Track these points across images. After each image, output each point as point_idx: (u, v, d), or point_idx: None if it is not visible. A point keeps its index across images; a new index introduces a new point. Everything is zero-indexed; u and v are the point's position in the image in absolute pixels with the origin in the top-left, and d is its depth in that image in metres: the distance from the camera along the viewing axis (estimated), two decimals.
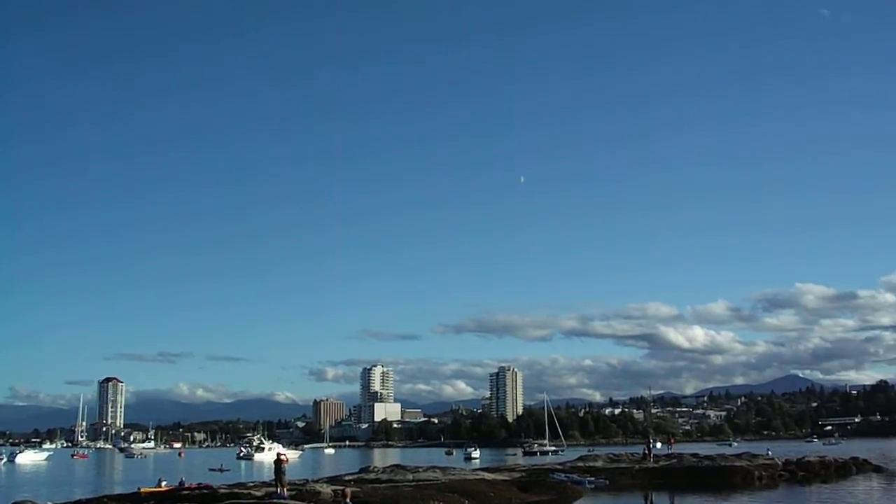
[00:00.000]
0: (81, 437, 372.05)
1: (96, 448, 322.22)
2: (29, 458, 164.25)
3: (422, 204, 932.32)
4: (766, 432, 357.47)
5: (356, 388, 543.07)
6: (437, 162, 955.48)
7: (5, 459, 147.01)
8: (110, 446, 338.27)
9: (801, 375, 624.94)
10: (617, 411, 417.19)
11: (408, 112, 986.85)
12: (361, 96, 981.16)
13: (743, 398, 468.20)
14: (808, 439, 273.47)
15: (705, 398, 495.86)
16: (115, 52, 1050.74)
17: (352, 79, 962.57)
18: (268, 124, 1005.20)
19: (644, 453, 74.09)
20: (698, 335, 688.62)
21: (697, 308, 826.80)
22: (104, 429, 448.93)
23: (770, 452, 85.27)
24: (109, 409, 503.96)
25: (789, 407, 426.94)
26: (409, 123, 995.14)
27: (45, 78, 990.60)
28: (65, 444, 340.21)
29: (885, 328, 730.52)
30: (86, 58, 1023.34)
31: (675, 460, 71.87)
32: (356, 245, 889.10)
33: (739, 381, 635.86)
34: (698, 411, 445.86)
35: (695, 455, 76.42)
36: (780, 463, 71.46)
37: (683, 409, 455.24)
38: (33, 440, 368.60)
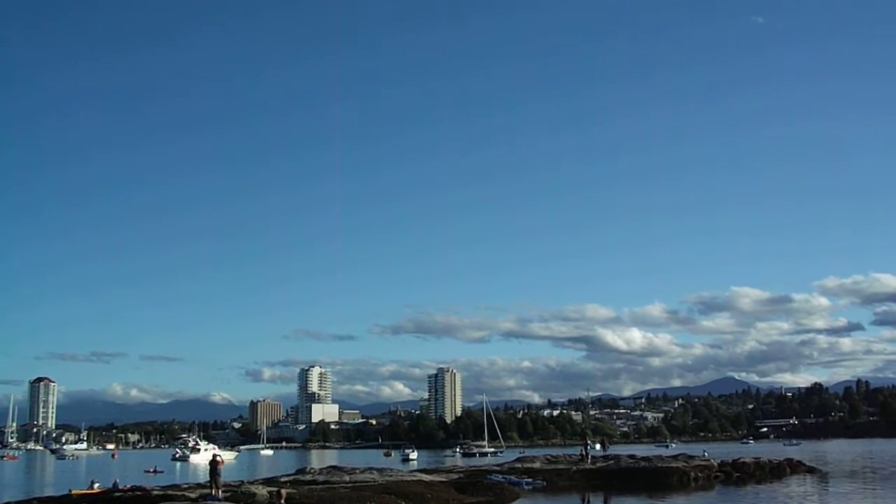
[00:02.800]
0: (11, 438, 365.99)
1: (27, 449, 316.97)
2: None
3: (356, 200, 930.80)
4: (702, 434, 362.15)
5: (293, 388, 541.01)
6: (376, 154, 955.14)
7: None
8: (41, 447, 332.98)
9: (737, 377, 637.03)
10: (555, 413, 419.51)
11: (341, 104, 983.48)
12: (295, 90, 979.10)
13: (680, 400, 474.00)
14: (745, 441, 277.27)
15: (643, 400, 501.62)
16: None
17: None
18: (201, 120, 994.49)
19: (581, 455, 74.39)
20: (636, 337, 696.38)
21: (635, 310, 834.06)
22: (35, 430, 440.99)
23: (706, 454, 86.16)
24: (41, 410, 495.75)
25: (726, 409, 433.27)
26: (340, 117, 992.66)
27: None
28: None
29: (819, 331, 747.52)
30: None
31: (612, 461, 72.23)
32: (290, 244, 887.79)
33: (677, 383, 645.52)
34: (636, 413, 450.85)
35: (632, 456, 76.80)
36: (715, 464, 72.09)
37: (621, 411, 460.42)
38: None
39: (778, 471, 74.30)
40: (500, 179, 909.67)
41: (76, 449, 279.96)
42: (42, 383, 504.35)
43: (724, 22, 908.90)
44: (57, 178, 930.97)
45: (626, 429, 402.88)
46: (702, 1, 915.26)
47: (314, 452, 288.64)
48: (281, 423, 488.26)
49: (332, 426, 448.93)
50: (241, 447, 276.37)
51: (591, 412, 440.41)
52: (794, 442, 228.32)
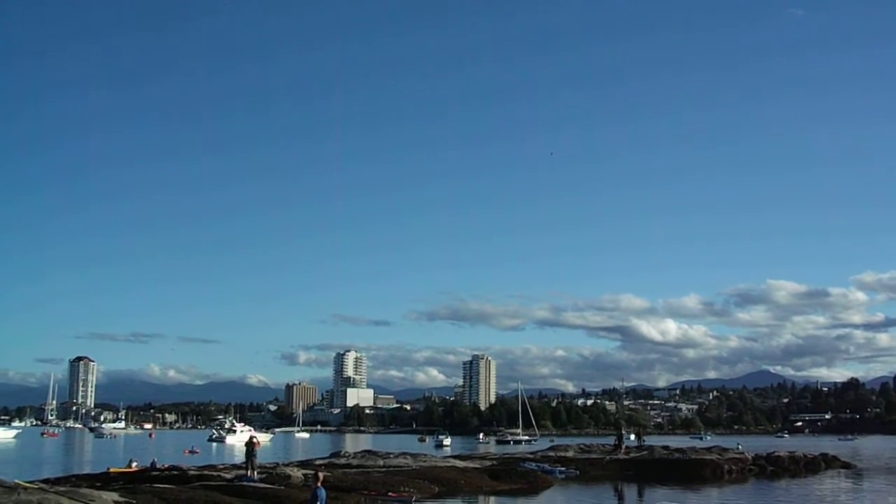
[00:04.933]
0: (51, 415, 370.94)
1: (66, 427, 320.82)
2: None
3: (394, 184, 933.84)
4: (736, 427, 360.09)
5: (329, 372, 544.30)
6: (412, 140, 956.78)
7: None
8: (80, 426, 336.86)
9: (772, 371, 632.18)
10: (589, 402, 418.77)
11: (379, 88, 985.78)
12: (326, 73, 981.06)
13: (715, 392, 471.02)
14: (779, 435, 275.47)
15: (677, 391, 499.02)
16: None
17: (311, 58, 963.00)
18: (242, 101, 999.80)
19: (615, 444, 74.42)
20: (671, 328, 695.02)
21: (670, 301, 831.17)
22: (74, 408, 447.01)
23: (740, 446, 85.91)
24: (80, 389, 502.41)
25: (760, 402, 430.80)
26: (377, 101, 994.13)
27: None
28: (34, 423, 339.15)
29: (856, 326, 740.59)
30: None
31: (645, 452, 72.21)
32: (329, 228, 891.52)
33: (711, 375, 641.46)
34: (670, 404, 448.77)
35: (665, 447, 76.78)
36: (749, 457, 71.84)
37: (655, 402, 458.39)
38: (2, 418, 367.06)
39: (812, 465, 73.86)
40: (538, 170, 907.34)
41: (114, 428, 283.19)
42: (82, 363, 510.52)
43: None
44: (92, 148, 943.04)
45: (659, 420, 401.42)
46: None
47: (348, 436, 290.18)
48: (316, 407, 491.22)
49: (367, 411, 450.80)
50: (277, 429, 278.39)
51: (626, 402, 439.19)
52: (849, 437, 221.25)
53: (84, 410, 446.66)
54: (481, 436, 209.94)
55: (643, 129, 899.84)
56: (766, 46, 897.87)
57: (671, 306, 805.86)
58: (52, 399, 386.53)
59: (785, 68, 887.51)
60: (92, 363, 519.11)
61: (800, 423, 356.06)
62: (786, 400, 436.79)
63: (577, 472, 63.04)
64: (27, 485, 33.53)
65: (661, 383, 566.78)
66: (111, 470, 51.94)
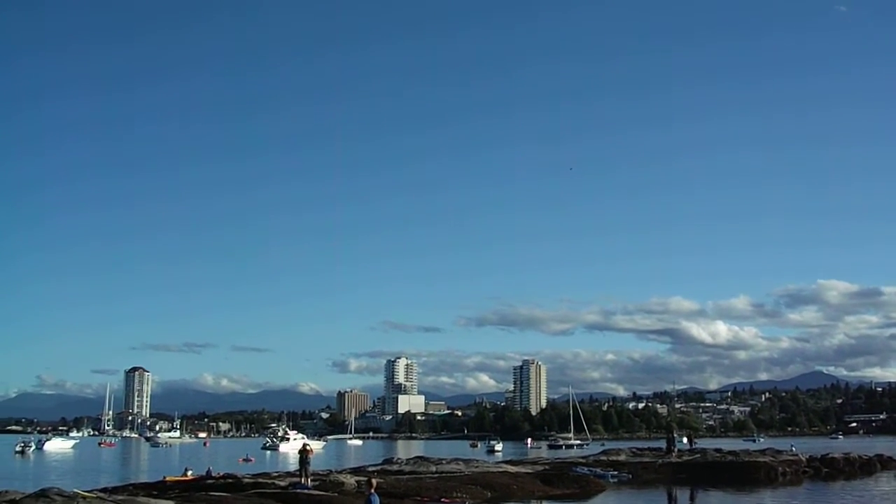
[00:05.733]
0: (108, 425, 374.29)
1: (122, 437, 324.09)
2: (56, 446, 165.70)
3: (442, 188, 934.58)
4: (790, 428, 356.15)
5: (380, 379, 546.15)
6: (459, 142, 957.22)
7: (33, 447, 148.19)
8: (136, 435, 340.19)
9: (825, 372, 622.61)
10: (640, 406, 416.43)
11: (418, 94, 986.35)
12: (365, 74, 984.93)
13: (767, 394, 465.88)
14: (833, 436, 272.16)
15: (729, 394, 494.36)
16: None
17: (356, 58, 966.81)
18: (277, 103, 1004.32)
19: (667, 448, 74.10)
20: (721, 330, 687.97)
21: (719, 303, 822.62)
22: (130, 418, 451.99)
23: (794, 448, 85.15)
24: (135, 399, 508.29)
25: (814, 403, 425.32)
26: (421, 105, 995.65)
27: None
28: (91, 433, 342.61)
29: None
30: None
31: (698, 455, 71.86)
32: (377, 234, 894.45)
33: (763, 376, 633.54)
34: (722, 407, 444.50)
35: (718, 450, 76.37)
36: (804, 459, 71.22)
37: (707, 405, 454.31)
38: (60, 428, 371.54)
39: (868, 467, 73.12)
40: (586, 175, 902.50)
41: (169, 437, 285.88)
42: (137, 373, 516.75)
43: None
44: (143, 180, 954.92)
45: (711, 422, 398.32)
46: None
47: (400, 443, 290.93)
48: (368, 414, 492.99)
49: (418, 417, 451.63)
50: (329, 437, 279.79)
51: (677, 405, 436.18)
52: None
53: (140, 420, 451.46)
54: (529, 441, 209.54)
55: (692, 134, 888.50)
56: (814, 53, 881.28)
57: (721, 308, 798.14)
58: (109, 409, 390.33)
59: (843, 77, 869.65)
60: (147, 373, 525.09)
61: (854, 424, 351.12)
62: (839, 401, 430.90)
63: (630, 476, 62.94)
64: (86, 494, 34.15)
65: (713, 386, 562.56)
66: (167, 479, 52.54)
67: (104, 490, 42.62)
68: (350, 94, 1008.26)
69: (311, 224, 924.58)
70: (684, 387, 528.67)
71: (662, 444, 78.79)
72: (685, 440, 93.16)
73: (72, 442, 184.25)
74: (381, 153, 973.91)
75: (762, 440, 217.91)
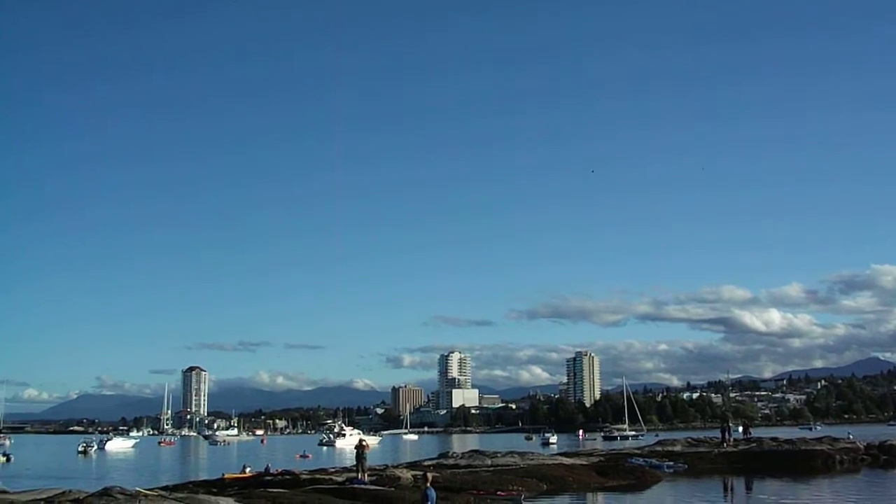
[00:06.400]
0: (167, 424, 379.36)
1: (181, 435, 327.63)
2: (117, 446, 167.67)
3: (488, 180, 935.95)
4: (846, 416, 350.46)
5: (433, 374, 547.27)
6: (508, 133, 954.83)
7: (95, 447, 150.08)
8: (195, 434, 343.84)
9: (881, 358, 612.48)
10: (695, 396, 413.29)
11: (477, 80, 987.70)
12: (411, 64, 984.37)
13: (823, 381, 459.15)
14: (892, 423, 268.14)
15: (784, 382, 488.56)
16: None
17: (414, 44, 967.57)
18: (336, 78, 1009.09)
19: (723, 437, 73.67)
20: (775, 318, 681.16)
21: (772, 291, 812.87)
22: (188, 417, 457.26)
23: (851, 436, 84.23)
24: (193, 398, 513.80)
25: (871, 390, 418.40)
26: (476, 93, 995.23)
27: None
28: (151, 432, 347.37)
29: None
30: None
31: (754, 444, 71.39)
32: (426, 227, 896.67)
33: (818, 364, 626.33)
34: (777, 395, 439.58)
35: (774, 439, 75.79)
36: (861, 447, 70.41)
37: (762, 393, 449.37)
38: (121, 428, 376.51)
39: None
40: (633, 167, 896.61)
41: (227, 435, 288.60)
42: (194, 372, 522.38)
43: None
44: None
45: (767, 411, 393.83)
46: None
47: (455, 437, 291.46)
48: (422, 409, 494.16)
49: (473, 411, 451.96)
50: (384, 432, 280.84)
51: (732, 394, 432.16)
52: None
53: (198, 419, 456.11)
54: (581, 433, 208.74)
55: (746, 129, 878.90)
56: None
57: (773, 296, 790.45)
58: (167, 409, 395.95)
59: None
60: (203, 372, 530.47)
61: None
62: None
63: (686, 466, 62.68)
64: (148, 492, 34.74)
65: (768, 374, 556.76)
66: (226, 476, 53.22)
67: (165, 488, 43.29)
68: (403, 79, 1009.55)
69: (362, 221, 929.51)
70: (738, 376, 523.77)
71: (717, 434, 78.37)
72: (740, 429, 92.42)
73: (132, 441, 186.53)
74: (431, 144, 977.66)
75: (818, 428, 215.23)
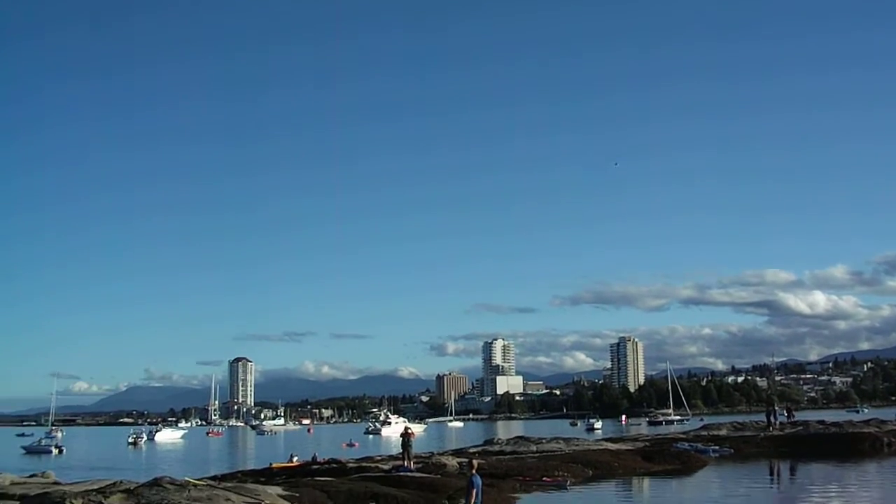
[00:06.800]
0: (214, 415, 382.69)
1: (229, 426, 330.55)
2: (166, 437, 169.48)
3: (529, 168, 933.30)
4: (894, 398, 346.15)
5: (477, 361, 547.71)
6: (553, 120, 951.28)
7: (145, 438, 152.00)
8: (242, 424, 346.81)
9: None
10: (740, 379, 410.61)
11: (520, 68, 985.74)
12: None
13: (869, 363, 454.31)
14: None
15: (830, 364, 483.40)
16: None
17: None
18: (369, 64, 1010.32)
19: (768, 421, 73.20)
20: (819, 300, 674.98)
21: (816, 273, 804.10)
22: (236, 407, 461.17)
23: None
24: (240, 388, 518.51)
25: None
26: (516, 81, 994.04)
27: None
28: (199, 423, 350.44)
29: None
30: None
31: (800, 428, 70.93)
32: (469, 213, 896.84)
33: (865, 346, 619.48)
34: (823, 378, 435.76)
35: (821, 422, 75.21)
36: None
37: (808, 376, 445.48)
38: (169, 419, 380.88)
39: None
40: (679, 153, 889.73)
41: (274, 425, 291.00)
42: (240, 363, 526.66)
43: None
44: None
45: (813, 394, 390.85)
46: None
47: (500, 423, 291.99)
48: (467, 396, 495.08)
49: (517, 397, 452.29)
50: (429, 420, 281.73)
51: (777, 378, 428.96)
52: None
53: (245, 409, 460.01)
54: (624, 418, 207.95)
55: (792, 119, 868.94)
56: None
57: (818, 278, 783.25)
58: (215, 399, 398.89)
59: None
60: (250, 363, 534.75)
61: None
62: None
63: (732, 450, 62.43)
64: (197, 482, 35.19)
65: (813, 357, 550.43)
66: (274, 465, 53.57)
67: (214, 478, 43.77)
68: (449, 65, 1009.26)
69: (404, 209, 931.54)
70: (784, 359, 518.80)
71: (763, 418, 77.90)
72: (784, 413, 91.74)
73: (181, 432, 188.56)
74: (478, 130, 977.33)
75: (866, 411, 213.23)
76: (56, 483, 38.92)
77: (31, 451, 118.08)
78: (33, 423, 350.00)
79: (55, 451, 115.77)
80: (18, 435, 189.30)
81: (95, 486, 34.64)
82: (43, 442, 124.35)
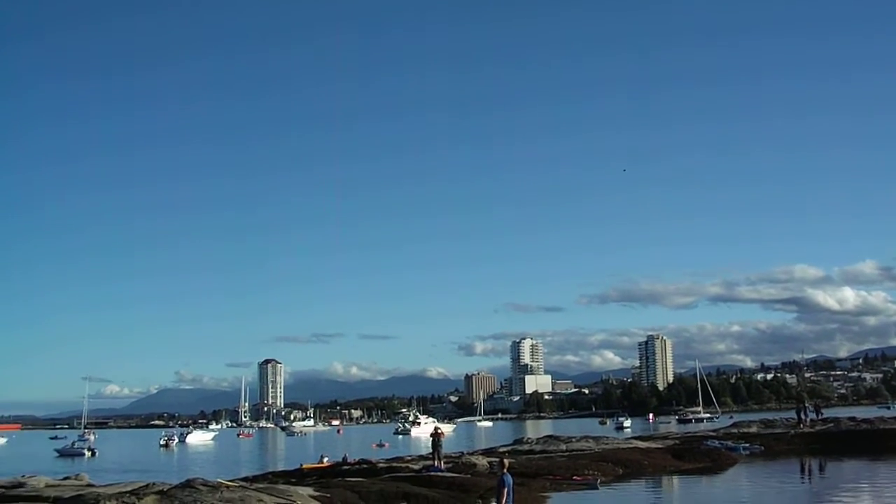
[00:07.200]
0: (245, 417, 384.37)
1: (259, 427, 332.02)
2: (198, 439, 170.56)
3: (563, 164, 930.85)
4: None
5: (505, 361, 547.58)
6: (575, 118, 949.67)
7: (176, 440, 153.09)
8: (272, 425, 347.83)
9: None
10: (769, 377, 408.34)
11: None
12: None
13: None
14: None
15: (860, 361, 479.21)
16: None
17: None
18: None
19: (799, 418, 72.87)
20: (848, 296, 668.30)
21: (845, 269, 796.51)
22: (266, 409, 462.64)
23: None
24: (270, 390, 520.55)
25: None
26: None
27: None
28: (230, 425, 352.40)
29: None
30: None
31: (831, 425, 70.59)
32: (495, 213, 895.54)
33: (895, 341, 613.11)
34: (853, 374, 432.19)
35: (852, 419, 74.81)
36: None
37: (838, 373, 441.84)
38: (200, 421, 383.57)
39: None
40: (704, 156, 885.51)
41: (304, 426, 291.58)
42: (269, 365, 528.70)
43: None
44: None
45: (843, 391, 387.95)
46: None
47: (529, 423, 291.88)
48: (496, 395, 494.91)
49: (546, 397, 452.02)
50: (458, 420, 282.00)
51: (807, 375, 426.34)
52: None
53: (275, 410, 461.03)
54: (651, 416, 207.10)
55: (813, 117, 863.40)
56: None
57: (846, 274, 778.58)
58: (245, 401, 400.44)
59: None
60: (279, 365, 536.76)
61: None
62: None
63: (762, 448, 62.27)
64: (230, 483, 35.50)
65: (843, 353, 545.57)
66: (304, 466, 53.89)
67: (246, 479, 44.12)
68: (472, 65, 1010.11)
69: (427, 209, 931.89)
70: (813, 355, 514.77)
71: (793, 415, 77.59)
72: (812, 410, 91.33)
73: (212, 434, 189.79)
74: (504, 129, 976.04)
75: None
76: (90, 485, 39.35)
77: (64, 453, 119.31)
78: (66, 426, 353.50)
79: (88, 453, 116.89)
80: (52, 438, 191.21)
81: (129, 488, 35.00)
82: (76, 444, 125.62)
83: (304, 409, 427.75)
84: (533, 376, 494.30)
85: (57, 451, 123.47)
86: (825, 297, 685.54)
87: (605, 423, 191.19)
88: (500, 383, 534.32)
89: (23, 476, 40.48)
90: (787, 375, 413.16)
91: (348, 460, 55.26)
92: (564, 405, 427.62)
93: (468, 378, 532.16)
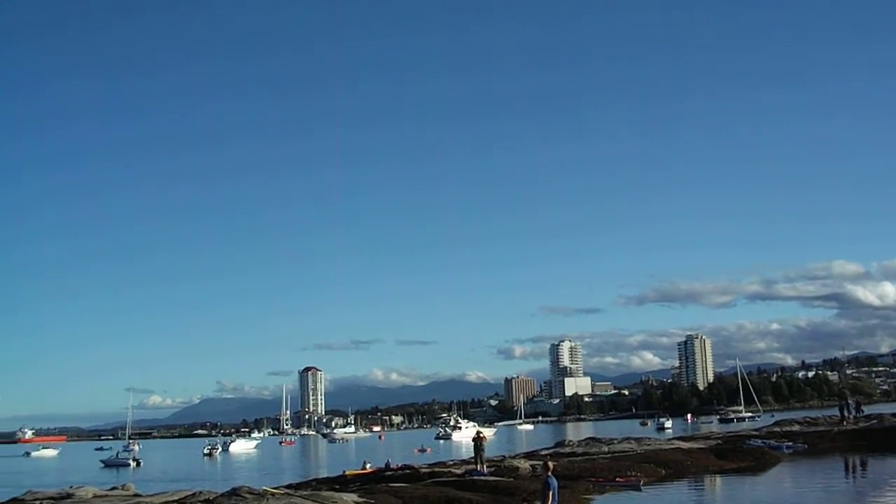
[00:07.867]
0: (286, 424, 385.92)
1: (301, 435, 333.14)
2: (241, 447, 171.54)
3: (593, 170, 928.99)
4: None
5: (545, 364, 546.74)
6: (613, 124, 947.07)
7: (220, 449, 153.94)
8: (314, 432, 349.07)
9: None
10: (810, 374, 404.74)
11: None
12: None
13: None
14: None
15: None
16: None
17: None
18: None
19: (842, 415, 72.35)
20: (889, 292, 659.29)
21: (884, 264, 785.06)
22: (307, 416, 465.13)
23: None
24: (310, 397, 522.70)
25: None
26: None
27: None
28: (272, 433, 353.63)
29: None
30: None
31: (874, 421, 70.05)
32: (534, 216, 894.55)
33: None
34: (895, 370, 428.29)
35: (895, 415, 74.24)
36: None
37: (880, 369, 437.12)
38: (242, 430, 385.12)
39: None
40: (733, 162, 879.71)
41: (345, 432, 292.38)
42: (310, 372, 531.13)
43: None
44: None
45: (886, 387, 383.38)
46: None
47: (569, 425, 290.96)
48: (536, 398, 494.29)
49: (586, 399, 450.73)
50: (499, 423, 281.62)
51: (848, 371, 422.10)
52: None
53: (316, 418, 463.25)
54: (689, 416, 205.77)
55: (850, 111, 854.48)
56: None
57: (886, 269, 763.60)
58: (286, 409, 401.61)
59: None
60: (319, 372, 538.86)
61: None
62: None
63: (805, 446, 61.92)
64: (274, 491, 35.94)
65: (885, 349, 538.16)
66: (347, 472, 54.21)
67: (290, 486, 44.55)
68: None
69: (463, 210, 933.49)
70: (855, 352, 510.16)
71: (836, 413, 77.08)
72: (853, 406, 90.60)
73: (254, 442, 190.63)
74: (534, 131, 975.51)
75: None
76: (136, 495, 39.90)
77: (109, 464, 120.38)
78: (111, 437, 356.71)
79: (133, 463, 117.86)
80: (97, 449, 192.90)
81: (176, 497, 35.56)
82: (121, 455, 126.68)
83: (345, 416, 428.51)
84: (572, 378, 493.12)
85: (102, 461, 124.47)
86: (865, 293, 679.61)
87: (647, 424, 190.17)
88: (540, 386, 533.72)
89: (71, 487, 40.97)
90: (829, 373, 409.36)
91: (391, 466, 55.53)
92: (604, 407, 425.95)
93: (508, 382, 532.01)
